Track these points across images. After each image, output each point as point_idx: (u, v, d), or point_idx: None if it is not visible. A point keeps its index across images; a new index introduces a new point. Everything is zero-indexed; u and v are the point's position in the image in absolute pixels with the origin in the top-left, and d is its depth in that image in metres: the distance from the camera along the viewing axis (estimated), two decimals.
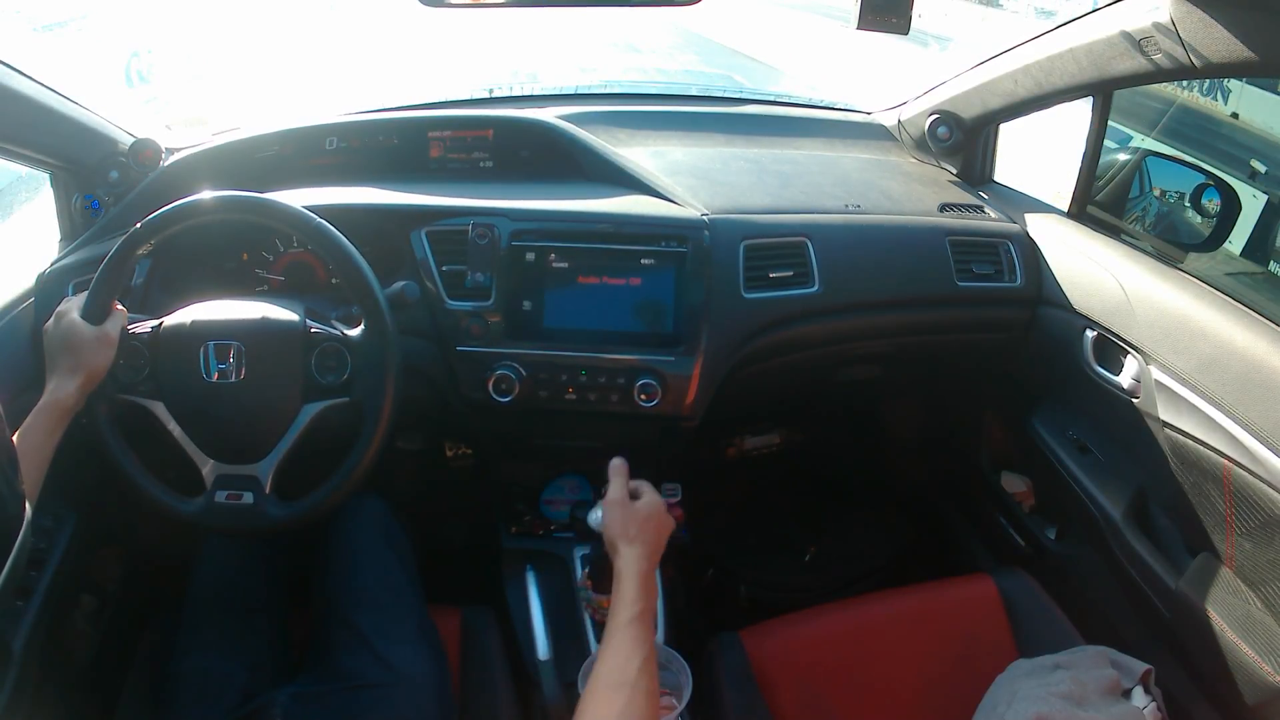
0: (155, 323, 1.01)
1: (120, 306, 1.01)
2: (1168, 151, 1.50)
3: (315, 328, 1.03)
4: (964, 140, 1.58)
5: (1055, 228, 1.43)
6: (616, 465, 1.05)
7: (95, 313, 0.98)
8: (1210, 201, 1.31)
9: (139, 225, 0.98)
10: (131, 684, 1.20)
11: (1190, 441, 1.12)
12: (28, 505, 0.57)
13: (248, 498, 0.99)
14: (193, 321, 1.01)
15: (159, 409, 0.99)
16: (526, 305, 1.23)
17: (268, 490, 1.00)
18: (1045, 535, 1.50)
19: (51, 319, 0.99)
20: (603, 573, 1.10)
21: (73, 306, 0.99)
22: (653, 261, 1.24)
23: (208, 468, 1.00)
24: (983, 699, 1.01)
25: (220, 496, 0.99)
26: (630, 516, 0.99)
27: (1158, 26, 1.08)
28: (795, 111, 1.81)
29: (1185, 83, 1.88)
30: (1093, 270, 1.32)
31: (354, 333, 1.03)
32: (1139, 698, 0.97)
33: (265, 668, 1.05)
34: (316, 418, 1.01)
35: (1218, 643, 1.08)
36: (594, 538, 1.07)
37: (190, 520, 1.00)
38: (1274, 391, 1.03)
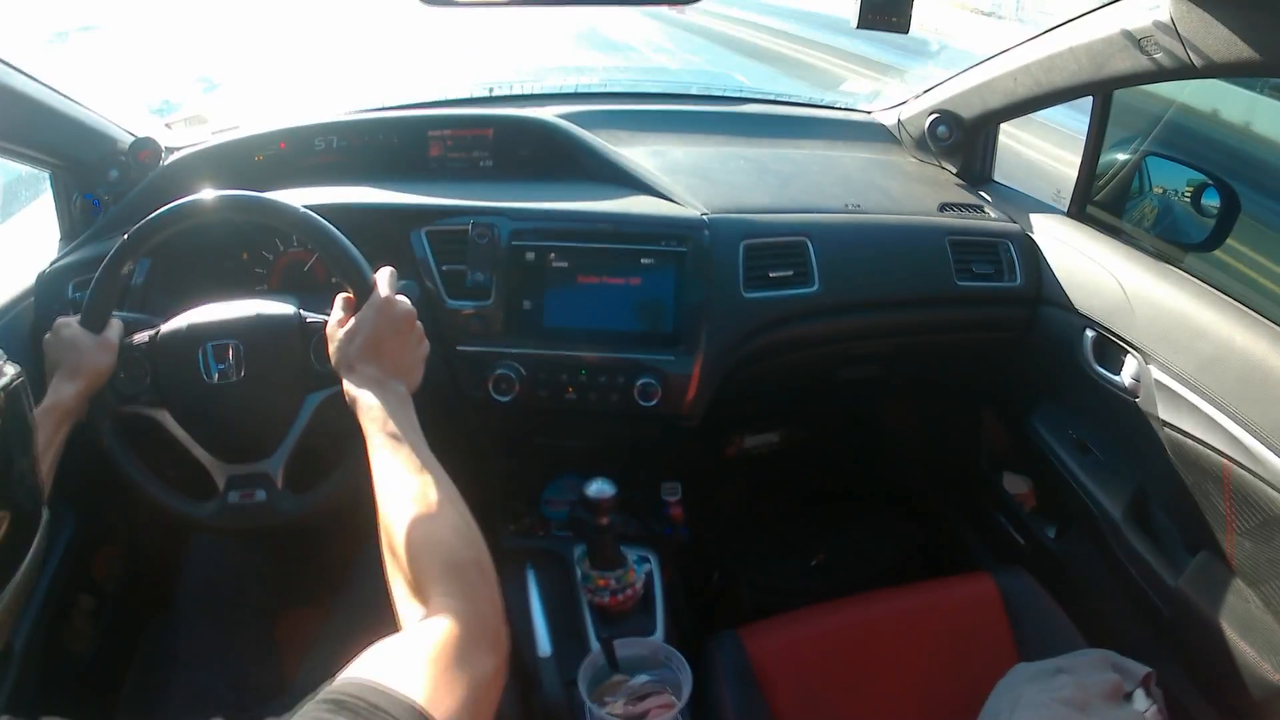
0: (152, 331, 1.01)
1: (118, 318, 1.00)
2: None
3: (310, 317, 1.02)
4: (964, 139, 1.58)
5: (1055, 227, 1.43)
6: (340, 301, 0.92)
7: (94, 320, 0.97)
8: (1210, 201, 1.30)
9: (126, 237, 0.97)
10: (131, 683, 1.20)
11: (1190, 441, 1.12)
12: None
13: (260, 495, 0.98)
14: (189, 325, 1.00)
15: (164, 417, 0.98)
16: (526, 305, 1.23)
17: (280, 485, 0.99)
18: (1045, 534, 1.50)
19: (50, 332, 0.98)
20: (600, 550, 1.09)
21: (72, 319, 0.98)
22: (652, 261, 1.24)
23: (217, 470, 0.99)
24: (985, 704, 1.00)
25: (233, 497, 0.98)
26: (360, 343, 0.86)
27: (1158, 25, 1.08)
28: (795, 111, 1.81)
29: None
30: (1093, 270, 1.32)
31: None
32: (1140, 701, 0.97)
33: (256, 676, 1.04)
34: (321, 406, 1.00)
35: (1217, 641, 1.08)
36: (589, 530, 1.05)
37: (205, 524, 1.00)
38: (1274, 391, 1.03)
